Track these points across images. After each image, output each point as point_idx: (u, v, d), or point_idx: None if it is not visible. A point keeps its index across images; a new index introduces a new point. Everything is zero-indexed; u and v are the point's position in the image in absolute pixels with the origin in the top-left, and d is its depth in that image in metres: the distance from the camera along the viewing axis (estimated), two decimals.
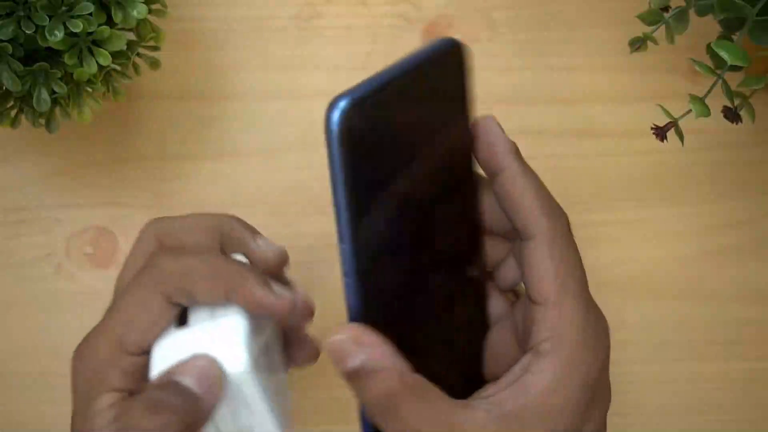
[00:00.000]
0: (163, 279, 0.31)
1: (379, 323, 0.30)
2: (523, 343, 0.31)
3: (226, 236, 0.34)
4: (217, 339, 0.31)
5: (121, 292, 0.32)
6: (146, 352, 0.31)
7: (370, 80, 0.28)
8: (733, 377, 0.45)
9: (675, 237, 0.45)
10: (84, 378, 0.31)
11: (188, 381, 0.30)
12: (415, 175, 0.30)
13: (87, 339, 0.32)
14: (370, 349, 0.29)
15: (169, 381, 0.30)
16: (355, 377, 0.29)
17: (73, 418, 0.32)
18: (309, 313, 0.34)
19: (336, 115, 0.26)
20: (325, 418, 0.44)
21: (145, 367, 0.31)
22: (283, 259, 0.34)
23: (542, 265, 0.30)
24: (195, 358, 0.30)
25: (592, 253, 0.45)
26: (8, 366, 0.45)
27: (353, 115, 0.27)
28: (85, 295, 0.45)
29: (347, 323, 0.29)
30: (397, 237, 0.30)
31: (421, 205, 0.30)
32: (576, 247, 0.31)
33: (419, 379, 0.29)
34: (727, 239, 0.45)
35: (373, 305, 0.29)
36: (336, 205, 0.28)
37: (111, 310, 0.32)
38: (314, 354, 0.36)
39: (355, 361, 0.29)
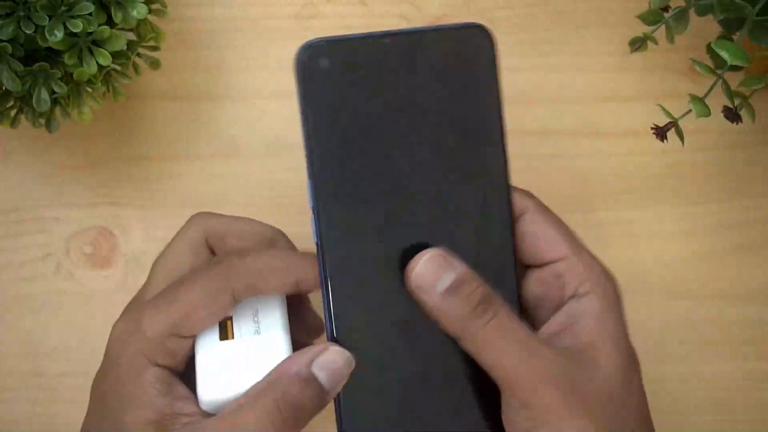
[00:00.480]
0: (235, 277, 0.32)
1: (344, 259, 0.31)
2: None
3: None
4: (263, 356, 0.32)
5: (176, 278, 0.33)
6: (193, 336, 0.32)
7: (364, 33, 0.30)
8: (733, 377, 0.45)
9: (675, 237, 0.45)
10: (132, 351, 0.32)
11: (323, 377, 0.31)
12: (402, 134, 0.31)
13: (134, 310, 0.33)
14: (458, 265, 0.31)
15: (309, 376, 0.30)
16: (446, 297, 0.30)
17: (102, 381, 0.33)
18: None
19: (301, 51, 0.30)
20: None
21: (188, 347, 0.32)
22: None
23: (547, 227, 0.33)
24: (333, 350, 0.31)
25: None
26: (8, 366, 0.45)
27: (318, 53, 0.30)
28: (84, 295, 0.45)
29: (422, 252, 0.31)
30: (372, 190, 0.31)
31: (408, 166, 0.31)
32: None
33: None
34: (727, 239, 0.45)
35: (336, 243, 0.31)
36: (303, 141, 0.31)
37: (168, 296, 0.32)
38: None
39: (448, 280, 0.30)
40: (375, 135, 0.31)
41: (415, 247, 0.32)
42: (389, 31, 0.31)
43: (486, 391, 0.32)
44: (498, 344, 0.30)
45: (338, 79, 0.30)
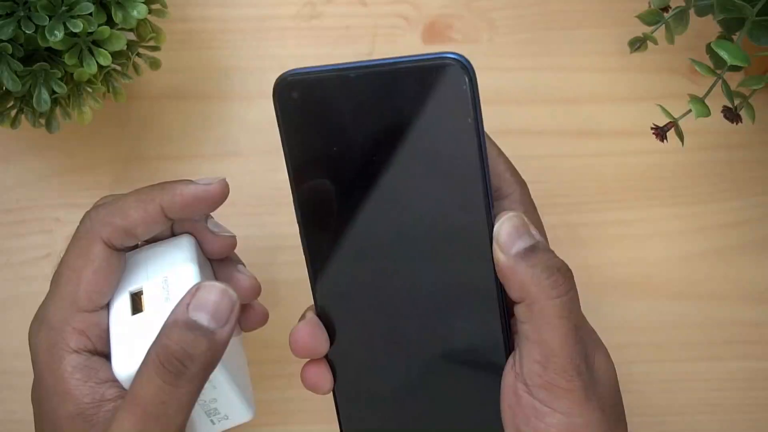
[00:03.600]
0: (99, 226, 0.32)
1: (327, 271, 0.32)
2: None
3: (173, 211, 0.33)
4: None
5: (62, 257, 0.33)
6: (100, 307, 0.32)
7: (335, 65, 0.30)
8: (733, 377, 0.45)
9: (675, 237, 0.45)
10: (44, 346, 0.31)
11: (204, 318, 0.29)
12: (375, 162, 0.31)
13: (39, 310, 0.33)
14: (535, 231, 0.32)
15: (187, 322, 0.29)
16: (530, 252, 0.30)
17: (34, 385, 0.32)
18: (257, 292, 0.36)
19: (277, 82, 0.30)
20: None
21: (101, 323, 0.32)
22: (232, 243, 0.36)
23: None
24: (203, 287, 0.30)
25: (592, 253, 0.45)
26: (8, 365, 0.45)
27: (293, 85, 0.30)
28: None
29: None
30: (347, 213, 0.32)
31: (385, 195, 0.31)
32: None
33: None
34: (727, 239, 0.45)
35: (321, 256, 0.32)
36: (285, 165, 0.31)
37: (55, 275, 0.32)
38: (263, 318, 0.37)
39: (533, 238, 0.31)
40: (349, 165, 0.31)
41: (398, 268, 0.32)
42: (366, 61, 0.30)
43: (485, 391, 0.33)
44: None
45: (313, 110, 0.30)
